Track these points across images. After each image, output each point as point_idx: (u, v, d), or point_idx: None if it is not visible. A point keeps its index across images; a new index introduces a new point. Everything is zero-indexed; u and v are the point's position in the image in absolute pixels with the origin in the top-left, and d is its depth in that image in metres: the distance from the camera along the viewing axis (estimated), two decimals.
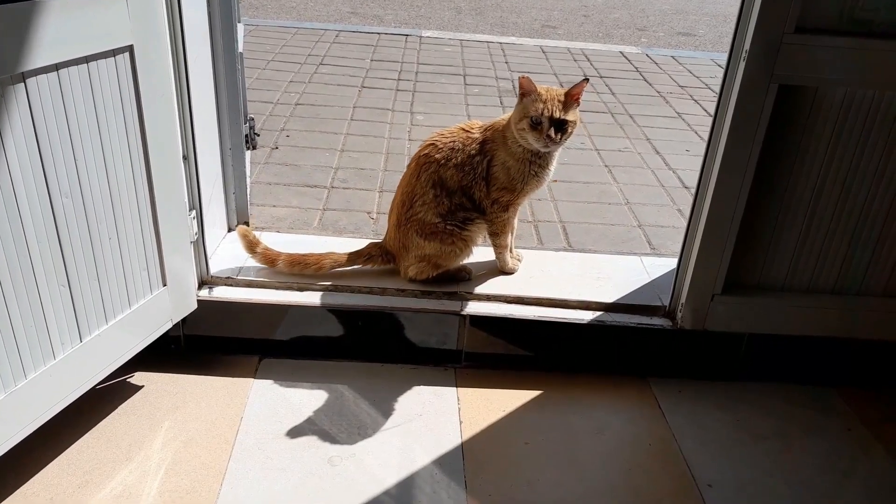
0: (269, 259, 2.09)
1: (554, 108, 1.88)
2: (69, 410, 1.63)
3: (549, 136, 1.88)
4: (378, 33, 5.41)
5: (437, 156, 2.02)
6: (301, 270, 2.08)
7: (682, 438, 1.89)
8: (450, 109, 3.83)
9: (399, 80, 4.28)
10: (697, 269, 1.96)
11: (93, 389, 1.70)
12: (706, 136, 1.88)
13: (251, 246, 2.10)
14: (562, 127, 1.90)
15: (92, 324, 1.64)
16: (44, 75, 1.39)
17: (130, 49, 1.56)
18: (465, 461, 1.76)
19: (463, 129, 2.06)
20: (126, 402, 1.86)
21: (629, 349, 2.10)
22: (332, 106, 3.73)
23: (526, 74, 1.93)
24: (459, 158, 2.02)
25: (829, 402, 2.07)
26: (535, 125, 1.89)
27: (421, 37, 5.40)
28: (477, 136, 2.05)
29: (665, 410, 1.98)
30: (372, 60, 4.64)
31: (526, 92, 1.92)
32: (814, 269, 1.98)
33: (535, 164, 2.00)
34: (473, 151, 2.03)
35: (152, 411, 1.84)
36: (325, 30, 5.39)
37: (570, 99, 1.91)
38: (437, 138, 2.06)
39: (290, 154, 3.10)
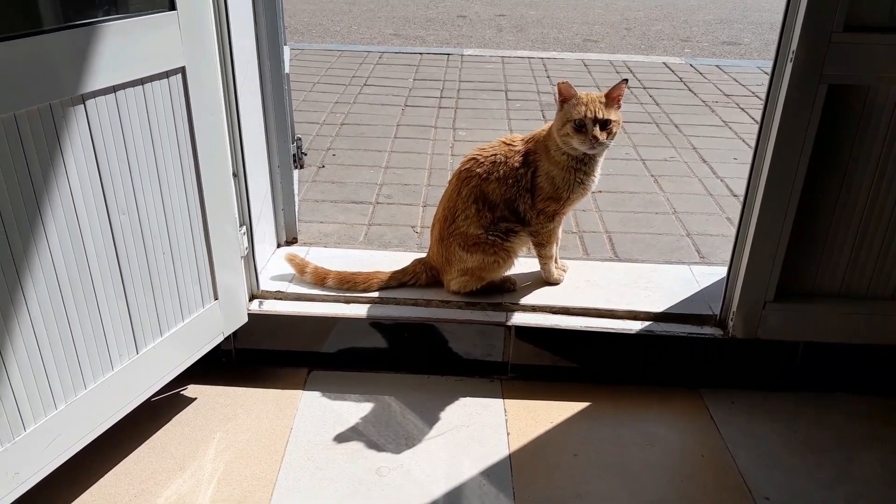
0: (320, 277, 2.13)
1: (596, 109, 1.87)
2: (125, 422, 1.68)
3: (594, 137, 1.88)
4: (420, 53, 5.49)
5: (478, 170, 2.03)
6: (350, 288, 2.12)
7: (737, 450, 1.83)
8: (492, 125, 3.84)
9: (441, 97, 4.32)
10: (748, 276, 1.92)
11: (147, 401, 1.76)
12: (754, 144, 1.85)
13: (300, 269, 2.15)
14: (606, 126, 1.89)
15: (147, 336, 1.69)
16: (102, 97, 1.46)
17: (183, 70, 1.63)
18: (513, 473, 1.75)
19: (504, 143, 2.07)
20: (179, 414, 1.91)
21: (679, 359, 2.06)
22: (376, 125, 3.79)
23: (565, 80, 1.93)
24: (502, 171, 2.02)
25: (890, 412, 1.99)
26: (579, 128, 1.89)
27: (462, 55, 5.46)
28: (519, 147, 2.05)
29: (718, 422, 1.93)
30: (415, 80, 4.70)
31: (566, 97, 1.92)
32: (871, 275, 1.92)
33: (580, 172, 1.99)
34: (517, 164, 2.03)
35: (204, 423, 1.88)
36: (369, 52, 5.49)
37: (611, 100, 1.90)
38: (477, 153, 2.07)
39: (336, 172, 3.16)
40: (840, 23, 1.62)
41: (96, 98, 1.44)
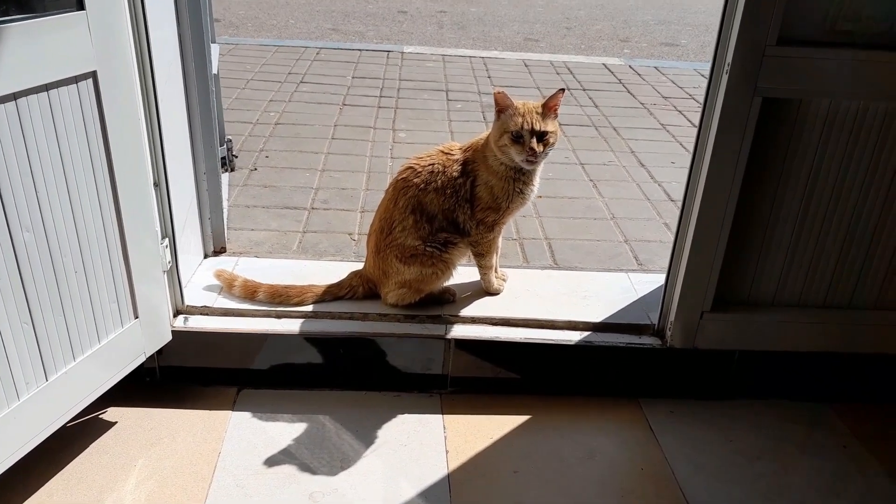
0: (250, 291, 2.04)
1: (533, 121, 1.84)
2: (37, 452, 1.56)
3: (531, 149, 1.84)
4: (359, 50, 5.38)
5: (415, 180, 1.96)
6: (282, 302, 2.03)
7: (675, 461, 1.83)
8: (432, 126, 3.79)
9: (381, 97, 4.24)
10: (686, 285, 1.92)
11: (63, 428, 1.63)
12: (691, 148, 1.85)
13: (229, 284, 2.07)
14: (543, 138, 1.86)
15: (58, 361, 1.57)
16: (1, 105, 1.33)
17: (94, 75, 1.51)
18: (451, 493, 1.70)
19: (442, 152, 2.02)
20: (98, 441, 1.79)
21: (618, 370, 2.05)
22: (312, 125, 3.68)
23: (501, 89, 1.89)
24: (440, 181, 1.96)
25: (823, 418, 2.03)
26: (517, 139, 1.85)
27: (403, 53, 5.38)
28: (458, 156, 2.00)
29: (656, 432, 1.93)
30: (353, 78, 4.60)
31: (502, 108, 1.88)
32: (804, 283, 1.95)
33: (519, 182, 1.96)
34: (455, 173, 1.98)
35: (125, 449, 1.77)
36: (306, 47, 5.35)
37: (548, 110, 1.87)
38: (414, 162, 2.01)
39: (270, 175, 3.05)
40: (773, 36, 1.63)
41: None
